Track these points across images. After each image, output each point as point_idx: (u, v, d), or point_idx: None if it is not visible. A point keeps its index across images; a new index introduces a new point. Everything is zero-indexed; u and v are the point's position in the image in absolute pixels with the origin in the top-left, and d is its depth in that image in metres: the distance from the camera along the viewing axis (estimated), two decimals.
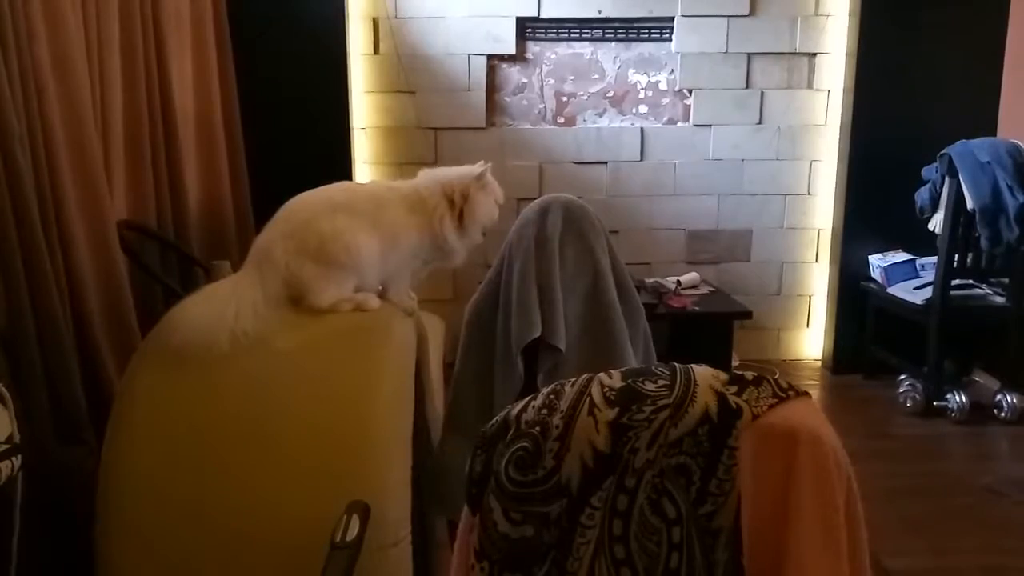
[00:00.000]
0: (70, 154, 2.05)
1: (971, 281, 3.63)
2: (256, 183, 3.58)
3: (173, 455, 1.54)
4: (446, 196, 1.87)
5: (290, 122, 3.80)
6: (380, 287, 1.86)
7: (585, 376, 1.04)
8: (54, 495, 1.83)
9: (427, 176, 1.92)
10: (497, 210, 1.95)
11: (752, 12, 3.98)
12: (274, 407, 1.57)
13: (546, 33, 4.02)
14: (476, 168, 1.91)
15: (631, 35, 4.03)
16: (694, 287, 3.89)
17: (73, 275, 2.02)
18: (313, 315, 1.75)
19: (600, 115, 4.12)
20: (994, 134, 3.81)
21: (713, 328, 3.66)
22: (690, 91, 4.09)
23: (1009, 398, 3.44)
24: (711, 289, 3.93)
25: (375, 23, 3.94)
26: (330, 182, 1.92)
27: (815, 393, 3.92)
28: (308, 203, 1.83)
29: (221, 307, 1.66)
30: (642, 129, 4.11)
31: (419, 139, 4.05)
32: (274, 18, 3.74)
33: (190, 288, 2.68)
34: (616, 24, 4.01)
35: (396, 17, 3.93)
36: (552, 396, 1.03)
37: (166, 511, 1.50)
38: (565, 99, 4.10)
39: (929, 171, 3.57)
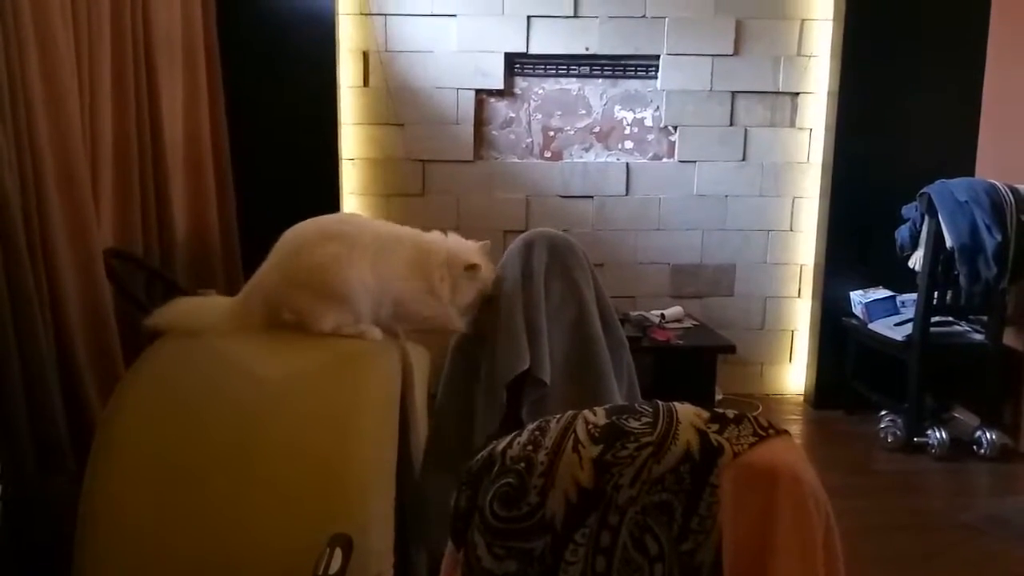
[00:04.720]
0: (58, 180, 2.05)
1: (951, 318, 3.67)
2: (244, 213, 3.59)
3: (155, 485, 1.53)
4: (448, 265, 1.94)
5: (279, 152, 3.82)
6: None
7: (570, 413, 1.06)
8: (34, 523, 1.81)
9: (438, 238, 2.00)
10: (478, 297, 1.99)
11: (736, 52, 4.06)
12: (258, 437, 1.57)
13: (534, 69, 4.07)
14: (473, 256, 1.96)
15: (617, 72, 4.09)
16: (678, 321, 3.92)
17: (58, 302, 2.02)
18: (298, 344, 1.75)
19: (586, 150, 4.17)
20: (972, 174, 3.88)
21: (697, 362, 3.68)
22: (675, 128, 4.15)
23: (988, 435, 3.46)
24: (695, 323, 3.96)
25: (365, 56, 3.98)
26: (318, 213, 1.95)
27: (797, 428, 3.94)
28: (300, 232, 1.85)
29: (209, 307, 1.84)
30: (628, 164, 4.16)
31: (407, 171, 4.07)
32: (265, 49, 3.77)
33: None
34: (603, 61, 4.07)
35: (386, 51, 3.97)
36: (537, 432, 1.04)
37: (147, 541, 1.49)
38: (552, 134, 4.14)
39: (909, 210, 3.62)
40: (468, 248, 1.99)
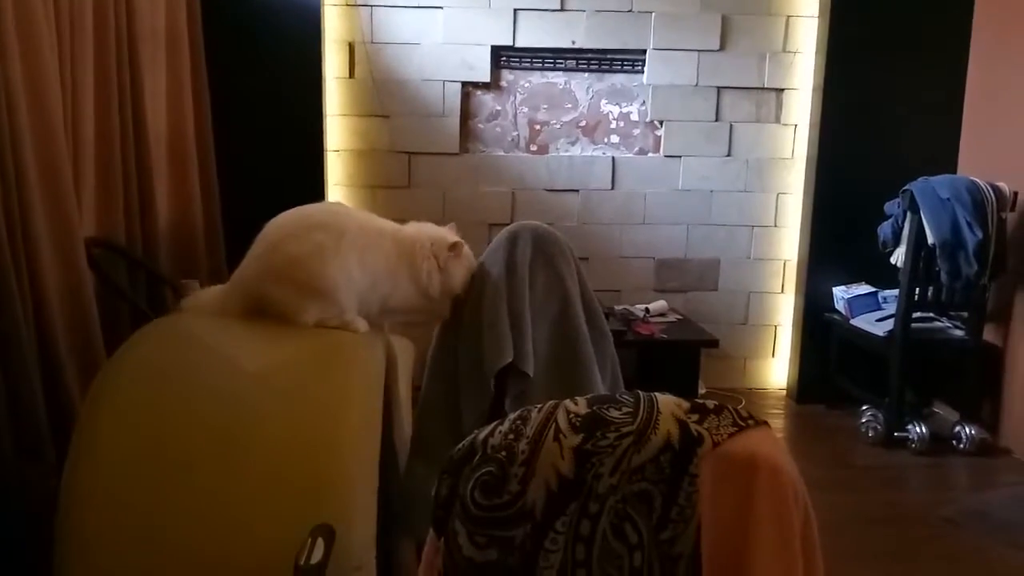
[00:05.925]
0: (39, 170, 2.03)
1: (932, 314, 3.70)
2: (228, 203, 3.58)
3: (137, 476, 1.52)
4: (434, 250, 1.95)
5: (264, 143, 3.80)
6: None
7: (551, 402, 1.06)
8: (13, 512, 1.80)
9: (415, 229, 2.00)
10: (468, 276, 2.01)
11: (722, 47, 4.07)
12: (241, 429, 1.57)
13: (520, 62, 4.07)
14: (451, 236, 1.98)
15: (604, 66, 4.10)
16: (662, 315, 3.93)
17: (38, 291, 2.00)
18: (282, 336, 1.75)
19: (572, 144, 4.17)
20: (954, 171, 3.92)
21: (680, 356, 3.70)
22: (661, 122, 4.16)
23: (967, 430, 3.50)
24: (679, 317, 3.98)
25: (351, 47, 3.96)
26: (303, 203, 1.93)
27: (779, 422, 3.97)
28: (282, 223, 1.83)
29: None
30: (613, 159, 4.17)
31: (392, 163, 4.07)
32: (250, 39, 3.75)
33: (157, 307, 2.67)
34: (589, 55, 4.08)
35: (372, 42, 3.96)
36: (518, 422, 1.04)
37: (128, 531, 1.49)
38: (538, 127, 4.14)
39: (891, 206, 3.65)
40: (444, 232, 2.01)
